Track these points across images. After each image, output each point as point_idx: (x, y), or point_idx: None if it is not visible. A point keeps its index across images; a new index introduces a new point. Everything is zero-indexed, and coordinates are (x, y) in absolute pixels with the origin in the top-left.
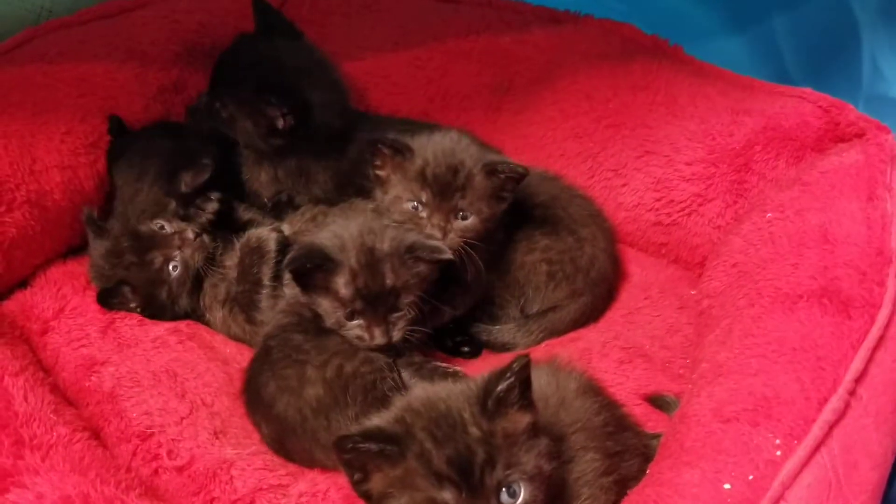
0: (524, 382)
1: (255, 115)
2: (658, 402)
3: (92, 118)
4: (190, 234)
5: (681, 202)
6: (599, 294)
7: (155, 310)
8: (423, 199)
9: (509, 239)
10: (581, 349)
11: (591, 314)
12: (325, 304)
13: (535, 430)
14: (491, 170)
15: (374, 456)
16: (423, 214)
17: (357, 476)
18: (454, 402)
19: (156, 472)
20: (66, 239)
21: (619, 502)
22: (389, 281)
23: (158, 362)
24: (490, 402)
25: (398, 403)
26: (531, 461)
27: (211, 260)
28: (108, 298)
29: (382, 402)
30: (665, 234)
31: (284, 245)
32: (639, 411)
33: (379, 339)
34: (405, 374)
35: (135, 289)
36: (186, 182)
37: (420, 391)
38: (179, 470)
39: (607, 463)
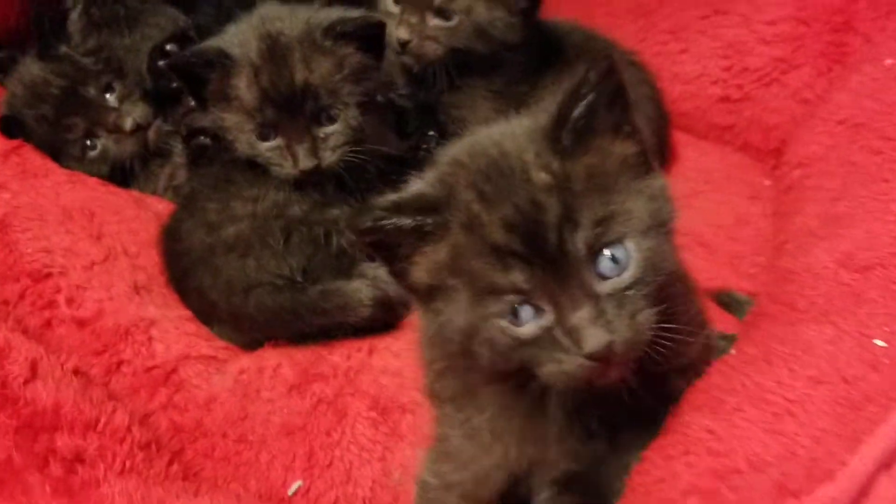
0: (614, 95)
1: None
2: (726, 300)
3: None
4: (127, 125)
5: (757, 70)
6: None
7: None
8: None
9: (535, 84)
10: None
11: None
12: (230, 120)
13: (643, 163)
14: None
15: (409, 234)
16: (396, 10)
17: (396, 266)
18: (512, 142)
19: (48, 322)
20: None
21: None
22: (301, 75)
23: (72, 197)
24: (565, 133)
25: (442, 157)
26: (641, 206)
27: (157, 152)
28: (11, 130)
29: (339, 261)
30: (733, 112)
31: None
32: None
33: (304, 159)
34: None
35: (38, 144)
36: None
37: (469, 138)
38: (80, 323)
39: None
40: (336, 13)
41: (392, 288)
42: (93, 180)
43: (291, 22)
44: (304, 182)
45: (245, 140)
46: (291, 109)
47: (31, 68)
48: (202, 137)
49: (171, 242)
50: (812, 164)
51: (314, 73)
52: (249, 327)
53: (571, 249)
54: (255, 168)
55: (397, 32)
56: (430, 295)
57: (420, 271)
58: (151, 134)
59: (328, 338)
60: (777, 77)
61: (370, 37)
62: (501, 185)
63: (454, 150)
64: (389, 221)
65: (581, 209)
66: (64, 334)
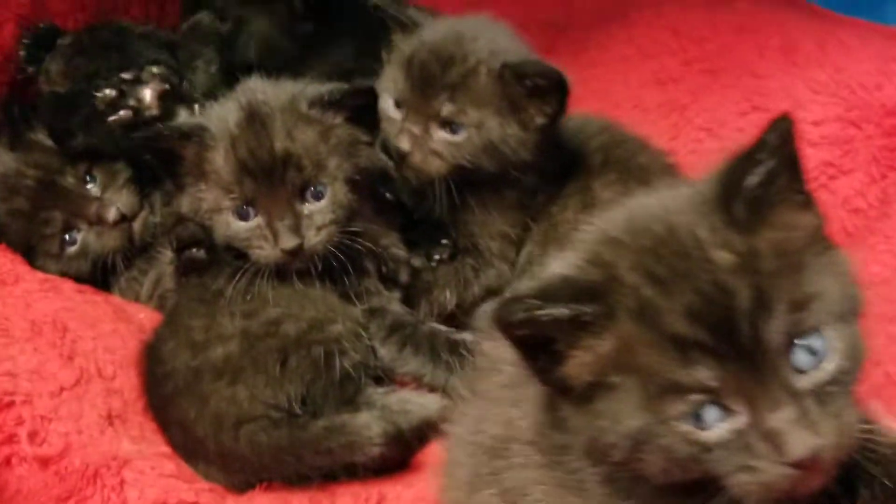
0: (789, 161)
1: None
2: None
3: None
4: (111, 215)
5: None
6: None
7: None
8: (403, 96)
9: (555, 193)
10: None
11: None
12: (207, 200)
13: (825, 237)
14: (511, 72)
15: (565, 326)
16: (398, 116)
17: (541, 363)
18: (678, 215)
19: (7, 461)
20: None
21: None
22: (281, 143)
23: (43, 309)
24: (738, 203)
25: (587, 235)
26: (833, 287)
27: (143, 248)
28: None
29: (343, 388)
30: None
31: None
32: None
33: (286, 237)
34: (381, 345)
35: (11, 241)
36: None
37: (618, 212)
38: (43, 462)
39: None
40: (325, 86)
41: (404, 419)
42: (68, 286)
43: (276, 93)
44: (288, 270)
45: (223, 221)
46: (272, 182)
47: (2, 159)
48: (195, 250)
49: (153, 365)
50: (875, 288)
51: (296, 141)
52: (241, 468)
53: (767, 339)
54: (245, 276)
55: (397, 142)
56: (586, 395)
57: (576, 368)
58: (137, 226)
59: (331, 479)
60: (825, 182)
61: (361, 107)
62: (677, 267)
63: (605, 227)
64: (544, 312)
65: (774, 292)
66: (24, 475)
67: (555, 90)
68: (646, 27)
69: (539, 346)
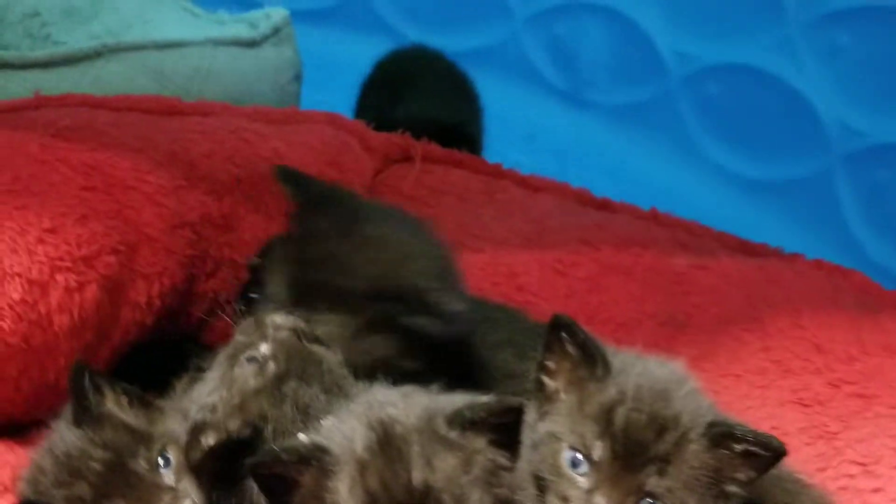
0: None
1: None
2: None
3: (93, 222)
4: None
5: None
6: None
7: None
8: (596, 455)
9: None
10: None
11: None
12: None
13: None
14: (720, 435)
15: None
16: (583, 481)
17: None
18: None
19: None
20: None
21: None
22: (420, 474)
23: None
24: None
25: None
26: None
27: None
28: None
29: None
30: None
31: None
32: None
33: None
34: None
35: None
36: None
37: None
38: None
39: None
40: (460, 398)
41: None
42: None
43: (407, 408)
44: None
45: None
46: None
47: (64, 436)
48: None
49: None
50: None
51: (437, 472)
52: None
53: None
54: None
55: None
56: None
57: None
58: None
59: None
60: None
61: (505, 426)
62: None
63: None
64: None
65: None
66: None
67: (771, 459)
68: (784, 338)
69: None
